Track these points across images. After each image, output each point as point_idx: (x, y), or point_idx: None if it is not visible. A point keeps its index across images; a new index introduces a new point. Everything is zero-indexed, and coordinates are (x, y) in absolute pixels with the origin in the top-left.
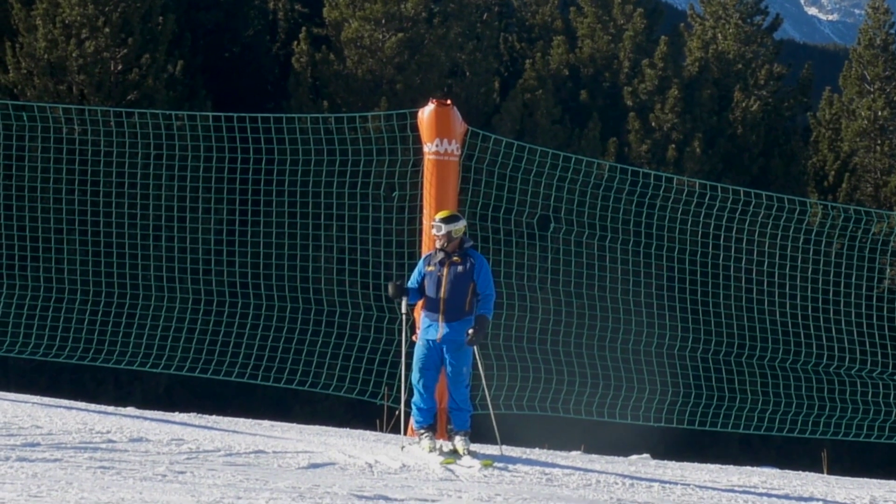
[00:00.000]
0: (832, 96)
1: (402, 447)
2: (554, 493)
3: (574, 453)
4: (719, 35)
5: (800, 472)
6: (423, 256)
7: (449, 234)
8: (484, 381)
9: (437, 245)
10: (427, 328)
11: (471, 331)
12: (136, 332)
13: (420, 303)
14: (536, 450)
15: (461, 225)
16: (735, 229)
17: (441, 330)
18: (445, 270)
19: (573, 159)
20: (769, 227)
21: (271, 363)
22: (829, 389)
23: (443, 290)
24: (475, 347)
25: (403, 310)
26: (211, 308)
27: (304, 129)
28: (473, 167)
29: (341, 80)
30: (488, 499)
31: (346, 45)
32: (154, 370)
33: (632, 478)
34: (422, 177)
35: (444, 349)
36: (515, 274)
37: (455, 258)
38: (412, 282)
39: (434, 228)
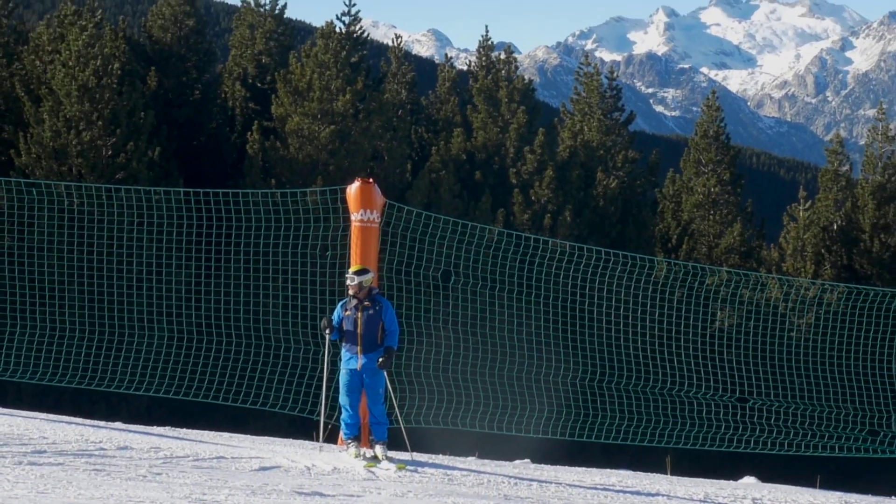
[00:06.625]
0: (675, 176)
1: (320, 449)
2: (454, 490)
3: (470, 459)
4: (585, 127)
5: (648, 473)
6: (340, 303)
7: (360, 283)
8: (395, 402)
9: (351, 293)
10: (349, 360)
11: (381, 359)
12: (123, 361)
13: (341, 338)
14: (440, 456)
15: (370, 276)
16: (598, 281)
17: (360, 360)
18: (360, 314)
19: (469, 226)
20: (625, 279)
21: (230, 386)
22: (672, 408)
23: (359, 329)
24: (386, 373)
25: (327, 338)
26: (182, 343)
27: (256, 203)
28: (390, 232)
29: (286, 163)
30: (402, 494)
31: (289, 134)
32: (137, 392)
33: (516, 478)
34: (349, 240)
35: (364, 375)
36: (423, 316)
37: (366, 303)
38: (334, 322)
39: (348, 280)
